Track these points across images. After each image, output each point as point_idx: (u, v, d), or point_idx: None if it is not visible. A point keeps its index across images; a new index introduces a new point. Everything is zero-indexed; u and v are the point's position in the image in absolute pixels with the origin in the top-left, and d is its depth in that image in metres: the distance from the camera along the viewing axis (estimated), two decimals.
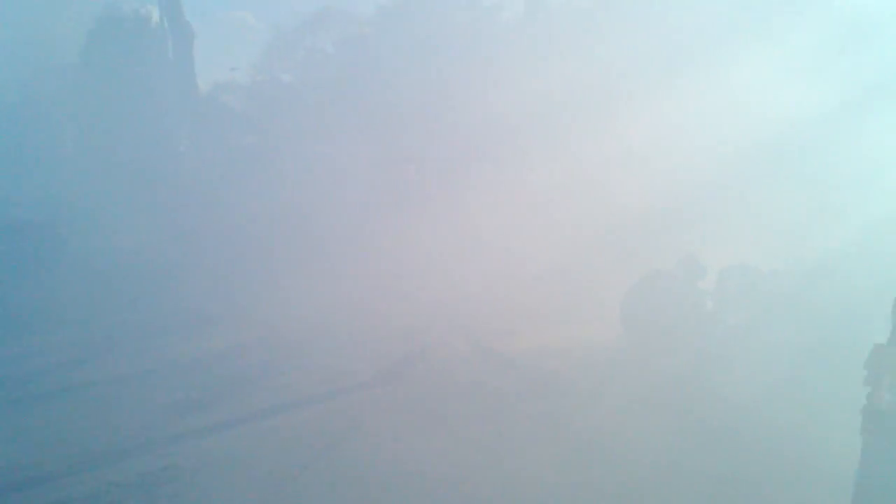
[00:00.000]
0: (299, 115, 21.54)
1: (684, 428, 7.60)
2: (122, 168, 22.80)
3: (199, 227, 19.72)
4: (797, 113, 12.83)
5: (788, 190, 12.72)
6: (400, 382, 9.47)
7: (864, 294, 8.65)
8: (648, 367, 9.38)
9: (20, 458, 8.35)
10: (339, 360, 10.60)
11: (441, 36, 19.72)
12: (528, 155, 17.20)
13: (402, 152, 19.48)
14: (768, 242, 10.90)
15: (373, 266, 15.44)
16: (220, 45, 33.85)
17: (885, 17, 13.45)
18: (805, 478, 6.47)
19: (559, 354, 10.23)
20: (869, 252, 10.07)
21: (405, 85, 19.24)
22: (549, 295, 13.10)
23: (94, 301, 15.05)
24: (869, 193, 10.94)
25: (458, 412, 8.21)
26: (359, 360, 10.45)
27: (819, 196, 11.99)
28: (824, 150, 12.74)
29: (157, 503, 7.30)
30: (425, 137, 18.95)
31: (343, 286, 14.69)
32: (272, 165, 21.93)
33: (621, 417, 7.88)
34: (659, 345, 9.69)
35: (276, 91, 23.41)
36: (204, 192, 21.07)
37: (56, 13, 27.24)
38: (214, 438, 7.95)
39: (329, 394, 9.19)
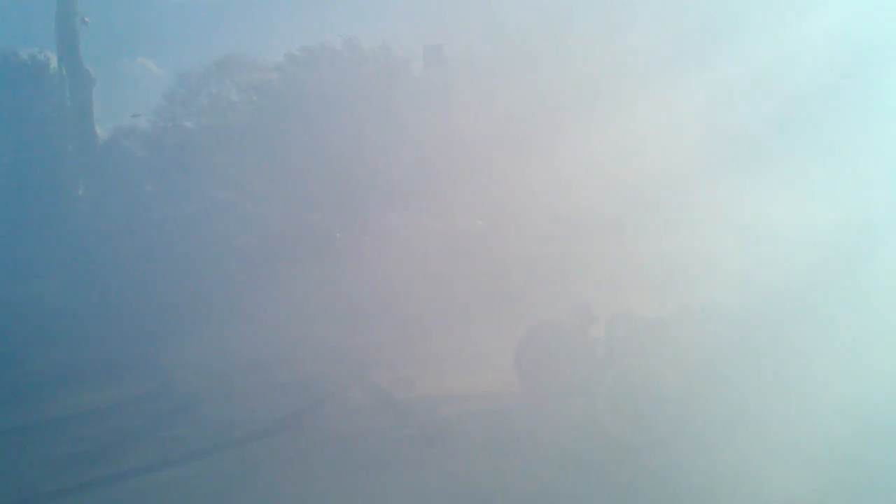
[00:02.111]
0: (202, 161, 21.45)
1: (576, 470, 7.72)
2: (16, 212, 22.29)
3: (99, 272, 19.35)
4: (683, 162, 13.37)
5: (675, 239, 13.27)
6: (295, 432, 9.39)
7: (748, 340, 9.02)
8: (542, 412, 9.54)
9: None
10: (236, 410, 10.44)
11: (349, 85, 19.96)
12: (433, 204, 17.52)
13: (309, 200, 19.56)
14: (654, 291, 11.32)
15: (275, 314, 15.36)
16: (122, 91, 33.46)
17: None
18: None
19: (456, 402, 10.30)
20: (751, 297, 10.55)
21: (311, 133, 19.37)
22: (447, 342, 13.23)
23: None
24: (750, 240, 11.46)
25: (351, 462, 8.17)
26: (255, 410, 10.32)
27: (703, 244, 12.52)
28: (710, 199, 13.30)
29: None
30: (332, 185, 19.07)
31: (244, 333, 14.55)
32: (174, 212, 21.73)
33: (513, 462, 7.96)
34: (552, 391, 9.89)
35: (178, 137, 23.27)
36: (103, 237, 20.69)
37: None
38: (95, 495, 7.74)
39: (223, 445, 9.05)
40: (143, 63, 38.23)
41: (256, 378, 12.13)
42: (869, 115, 12.94)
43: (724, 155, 13.57)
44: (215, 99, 24.31)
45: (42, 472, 8.51)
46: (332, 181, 18.21)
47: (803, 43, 13.55)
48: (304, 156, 18.89)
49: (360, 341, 13.93)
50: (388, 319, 14.66)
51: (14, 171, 23.37)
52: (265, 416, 10.01)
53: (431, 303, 14.57)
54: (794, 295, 9.55)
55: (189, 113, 24.61)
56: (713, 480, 7.05)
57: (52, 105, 24.14)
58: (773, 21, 14.00)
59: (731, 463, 7.32)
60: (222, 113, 23.47)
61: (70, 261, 20.18)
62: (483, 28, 18.76)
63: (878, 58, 13.59)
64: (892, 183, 11.26)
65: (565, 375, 9.72)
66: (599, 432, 8.49)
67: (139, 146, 25.04)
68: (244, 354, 13.44)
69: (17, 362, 14.07)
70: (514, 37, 17.73)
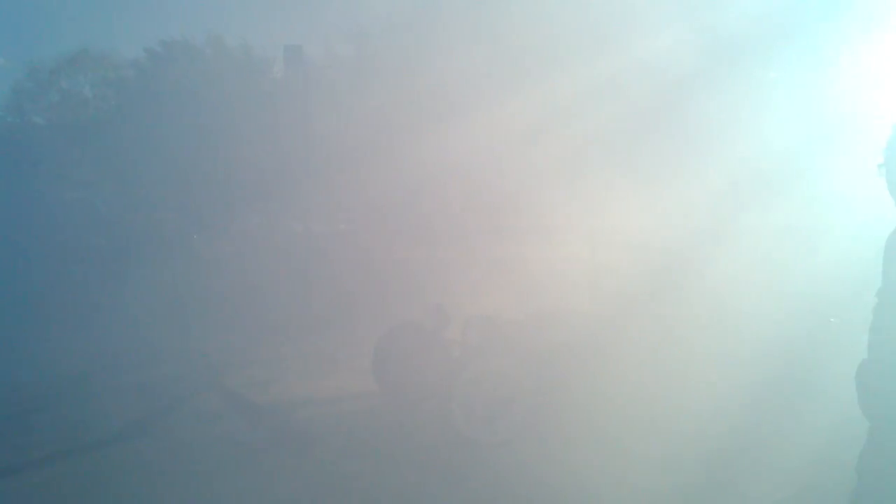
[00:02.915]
0: (52, 159, 20.49)
1: (431, 469, 7.79)
2: None
3: None
4: (540, 167, 13.71)
5: (530, 244, 13.61)
6: (146, 437, 9.12)
7: (599, 342, 9.32)
8: (398, 414, 9.61)
9: None
10: (81, 415, 10.03)
11: (209, 84, 19.49)
12: (294, 206, 17.32)
13: (165, 201, 18.98)
14: (509, 294, 11.58)
15: (128, 317, 14.83)
16: None
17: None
18: None
19: (312, 405, 10.25)
20: (602, 302, 10.94)
21: (168, 131, 18.80)
22: (306, 345, 13.12)
23: None
24: (603, 246, 11.85)
25: (203, 467, 7.98)
26: (102, 416, 9.94)
27: (558, 249, 12.88)
28: (566, 204, 13.68)
29: None
30: (190, 186, 18.57)
31: (94, 337, 13.99)
32: (20, 211, 20.67)
33: (367, 464, 7.98)
34: (409, 392, 9.96)
35: (26, 133, 22.15)
36: None
37: None
38: None
39: (69, 451, 8.69)
40: None
41: (106, 383, 11.72)
42: (720, 123, 13.52)
43: (582, 160, 13.94)
44: (67, 94, 23.23)
45: None
46: (190, 182, 17.73)
47: (656, 49, 14.06)
48: (161, 155, 18.31)
49: (215, 345, 13.65)
50: (246, 322, 14.43)
51: None
52: (112, 422, 9.67)
53: (291, 306, 14.42)
54: (642, 298, 9.92)
55: (38, 108, 23.43)
56: (562, 479, 7.25)
57: None
58: (629, 24, 14.48)
59: (579, 461, 7.54)
60: (74, 109, 22.46)
61: None
62: (346, 30, 18.71)
63: (732, 64, 14.16)
64: (739, 189, 11.77)
65: (421, 377, 9.80)
66: (454, 433, 8.60)
67: None
68: (94, 358, 12.96)
69: None
70: (375, 39, 17.77)
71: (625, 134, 13.32)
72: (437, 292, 11.88)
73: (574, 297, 10.35)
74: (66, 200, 19.93)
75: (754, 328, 8.60)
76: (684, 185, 12.05)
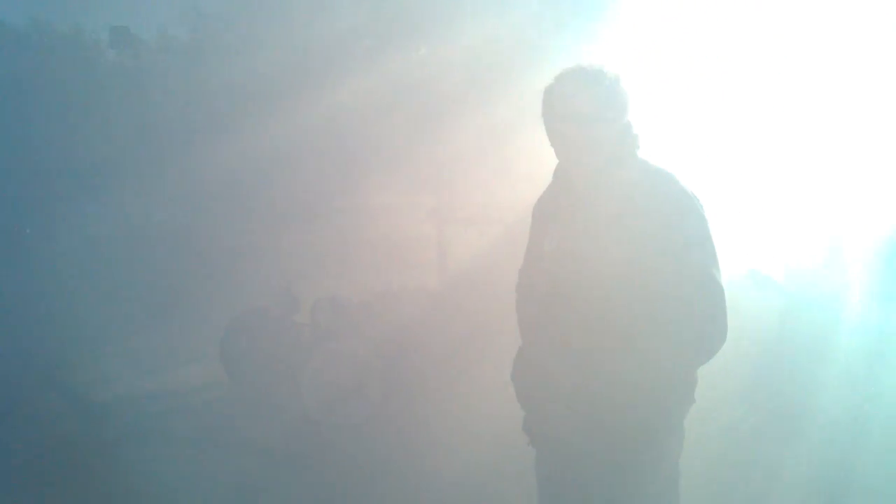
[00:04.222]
0: None
1: (282, 458, 7.76)
2: None
3: None
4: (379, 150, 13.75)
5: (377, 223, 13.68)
6: None
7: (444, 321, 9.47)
8: (248, 403, 9.51)
9: None
10: None
11: (34, 69, 18.45)
12: (130, 195, 16.65)
13: None
14: (355, 274, 11.62)
15: None
16: None
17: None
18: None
19: (158, 398, 9.98)
20: (449, 280, 11.14)
21: None
22: (150, 338, 12.69)
23: None
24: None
25: (42, 469, 7.66)
26: None
27: (396, 227, 12.98)
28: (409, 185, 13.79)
29: None
30: (15, 177, 17.54)
31: None
32: None
33: (218, 455, 7.87)
34: (260, 380, 9.84)
35: None
36: None
37: None
38: None
39: None
40: None
41: None
42: None
43: (424, 132, 13.93)
44: None
45: None
46: (15, 173, 16.76)
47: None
48: None
49: (52, 343, 13.00)
50: (84, 319, 13.79)
51: None
52: None
53: (132, 298, 13.89)
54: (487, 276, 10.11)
55: None
56: (414, 463, 7.37)
57: None
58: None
59: (431, 444, 7.66)
60: None
61: None
62: (180, 12, 18.09)
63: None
64: None
65: (271, 363, 9.73)
66: (305, 418, 8.60)
67: None
68: None
69: None
70: (214, 21, 17.29)
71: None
72: (282, 276, 11.77)
73: (421, 276, 10.50)
74: None
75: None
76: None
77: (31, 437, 8.66)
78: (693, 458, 3.65)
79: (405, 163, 13.54)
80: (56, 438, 8.66)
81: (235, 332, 10.11)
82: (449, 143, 12.81)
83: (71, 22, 20.14)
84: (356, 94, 13.75)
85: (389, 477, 7.00)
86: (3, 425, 9.36)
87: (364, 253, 13.13)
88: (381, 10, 14.80)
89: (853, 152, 7.51)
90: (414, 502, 6.55)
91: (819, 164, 7.56)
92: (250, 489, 6.96)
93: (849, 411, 6.79)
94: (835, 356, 6.94)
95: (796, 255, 7.55)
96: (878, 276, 6.92)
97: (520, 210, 10.95)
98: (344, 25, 14.92)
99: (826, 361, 6.98)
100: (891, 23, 8.18)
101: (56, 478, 7.35)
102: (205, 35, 17.15)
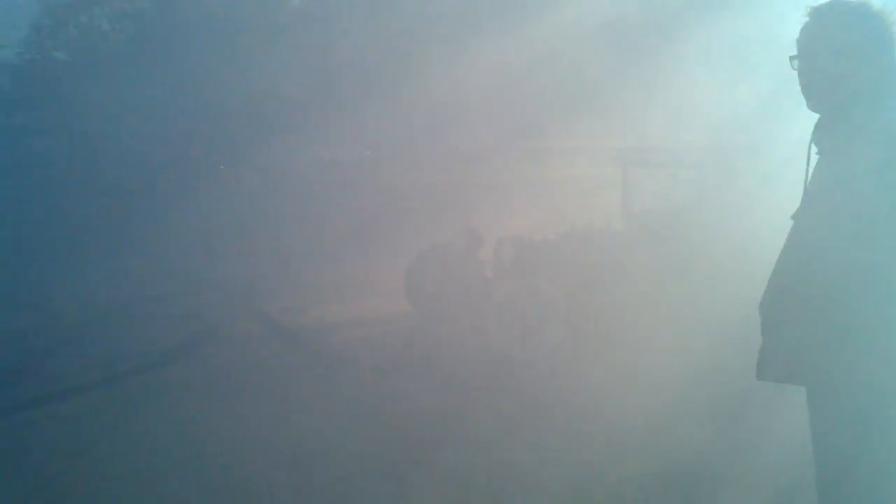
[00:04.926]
0: (74, 94, 20.40)
1: (467, 387, 7.86)
2: None
3: None
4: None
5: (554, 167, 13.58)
6: (183, 364, 9.28)
7: (630, 264, 9.33)
8: (431, 335, 9.72)
9: None
10: (121, 343, 10.20)
11: (227, 13, 19.26)
12: (319, 134, 17.24)
13: (189, 132, 18.93)
14: (538, 215, 11.59)
15: (159, 248, 14.99)
16: None
17: None
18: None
19: (346, 329, 10.39)
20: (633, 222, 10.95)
21: (189, 63, 18.66)
22: (338, 271, 13.22)
23: None
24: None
25: (241, 390, 8.14)
26: (141, 344, 10.10)
27: (581, 168, 12.82)
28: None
29: None
30: (213, 116, 18.48)
31: (128, 268, 14.17)
32: (45, 146, 20.77)
33: (406, 384, 8.09)
34: (443, 313, 10.07)
35: (47, 69, 22.06)
36: None
37: None
38: None
39: (110, 378, 8.86)
40: None
41: (142, 312, 11.90)
42: None
43: (606, 78, 13.66)
44: (85, 29, 23.08)
45: None
46: (213, 112, 17.66)
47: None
48: (183, 87, 18.22)
49: (248, 273, 13.78)
50: (277, 251, 14.52)
51: None
52: (151, 348, 9.81)
53: (321, 233, 14.48)
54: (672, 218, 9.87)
55: (57, 44, 23.30)
56: (595, 396, 7.28)
57: None
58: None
59: (609, 379, 7.54)
60: (93, 43, 22.32)
61: None
62: None
63: None
64: None
65: (455, 297, 9.90)
66: (488, 351, 8.68)
67: (5, 79, 23.65)
68: (129, 289, 13.13)
69: None
70: None
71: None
72: (467, 215, 11.90)
73: (605, 217, 10.35)
74: (91, 134, 19.96)
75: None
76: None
77: (227, 360, 9.24)
78: None
79: (593, 106, 13.33)
80: (259, 358, 9.22)
81: (421, 266, 10.37)
82: (640, 87, 12.53)
83: None
84: (546, 37, 13.60)
85: (567, 416, 6.90)
86: (207, 346, 10.07)
87: (550, 194, 13.09)
88: None
89: None
90: (594, 442, 6.48)
91: None
92: (438, 413, 7.07)
93: None
94: None
95: None
96: None
97: (710, 154, 10.67)
98: None
99: None
100: None
101: (248, 398, 7.80)
102: None
